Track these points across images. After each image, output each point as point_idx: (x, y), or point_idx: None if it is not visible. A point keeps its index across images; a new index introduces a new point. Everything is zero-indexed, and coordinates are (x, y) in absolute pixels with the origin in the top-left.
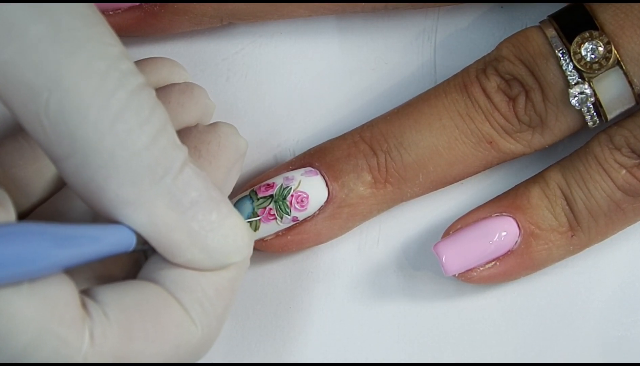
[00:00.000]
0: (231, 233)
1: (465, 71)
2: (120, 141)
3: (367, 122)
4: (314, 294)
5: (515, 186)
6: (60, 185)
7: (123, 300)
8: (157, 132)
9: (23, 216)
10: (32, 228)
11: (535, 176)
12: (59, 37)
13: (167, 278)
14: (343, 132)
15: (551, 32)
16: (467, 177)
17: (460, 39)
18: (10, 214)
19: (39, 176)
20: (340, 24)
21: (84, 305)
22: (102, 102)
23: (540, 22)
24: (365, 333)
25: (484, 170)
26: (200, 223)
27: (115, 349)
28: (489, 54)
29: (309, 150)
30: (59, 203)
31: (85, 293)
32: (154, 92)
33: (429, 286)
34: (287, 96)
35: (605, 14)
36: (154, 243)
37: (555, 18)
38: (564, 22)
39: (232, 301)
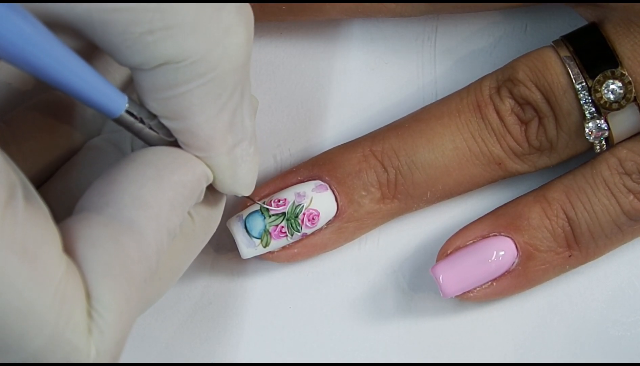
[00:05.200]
0: (253, 170)
1: (479, 88)
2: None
3: (376, 133)
4: (314, 294)
5: (515, 201)
6: (70, 155)
7: (115, 286)
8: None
9: (37, 186)
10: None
11: (536, 193)
12: None
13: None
14: (342, 132)
15: (569, 60)
16: (470, 191)
17: (460, 38)
18: None
19: (52, 148)
20: (340, 24)
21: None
22: None
23: (555, 44)
24: (365, 332)
25: (486, 185)
26: (242, 150)
27: (120, 334)
28: (502, 70)
29: (318, 159)
30: (67, 173)
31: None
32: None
33: (429, 281)
34: (287, 95)
35: (624, 47)
36: (190, 141)
37: (571, 43)
38: (583, 52)
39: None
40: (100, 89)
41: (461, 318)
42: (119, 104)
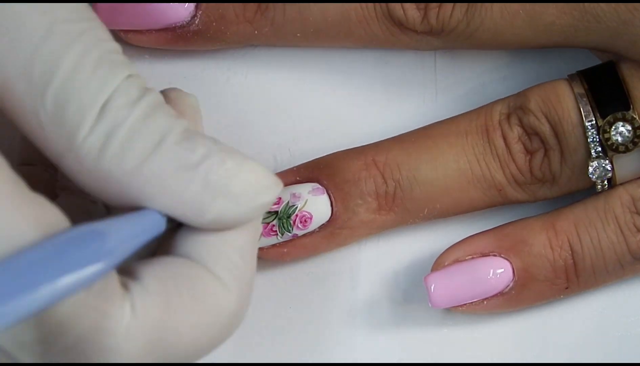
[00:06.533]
0: (253, 174)
1: (489, 112)
2: (114, 118)
3: (381, 143)
4: (313, 295)
5: (523, 222)
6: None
7: (160, 274)
8: (150, 110)
9: None
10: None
11: (545, 220)
12: (54, 30)
13: (193, 251)
14: (342, 131)
15: (582, 96)
16: (467, 213)
17: None
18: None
19: None
20: None
21: (122, 282)
22: (95, 88)
23: (570, 78)
24: (365, 332)
25: (485, 209)
26: (217, 173)
27: (157, 320)
28: (515, 97)
29: (319, 162)
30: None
31: (121, 271)
32: (145, 81)
33: None
34: (287, 96)
35: (638, 91)
36: (178, 211)
37: (587, 79)
38: (597, 91)
39: (254, 266)
40: (148, 234)
41: (461, 318)
42: (161, 226)
